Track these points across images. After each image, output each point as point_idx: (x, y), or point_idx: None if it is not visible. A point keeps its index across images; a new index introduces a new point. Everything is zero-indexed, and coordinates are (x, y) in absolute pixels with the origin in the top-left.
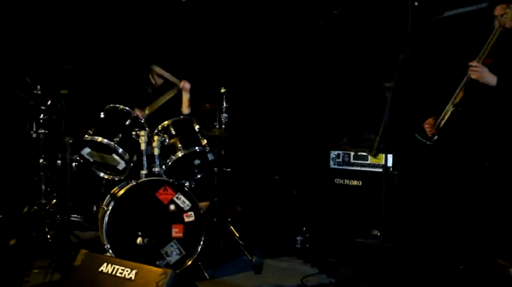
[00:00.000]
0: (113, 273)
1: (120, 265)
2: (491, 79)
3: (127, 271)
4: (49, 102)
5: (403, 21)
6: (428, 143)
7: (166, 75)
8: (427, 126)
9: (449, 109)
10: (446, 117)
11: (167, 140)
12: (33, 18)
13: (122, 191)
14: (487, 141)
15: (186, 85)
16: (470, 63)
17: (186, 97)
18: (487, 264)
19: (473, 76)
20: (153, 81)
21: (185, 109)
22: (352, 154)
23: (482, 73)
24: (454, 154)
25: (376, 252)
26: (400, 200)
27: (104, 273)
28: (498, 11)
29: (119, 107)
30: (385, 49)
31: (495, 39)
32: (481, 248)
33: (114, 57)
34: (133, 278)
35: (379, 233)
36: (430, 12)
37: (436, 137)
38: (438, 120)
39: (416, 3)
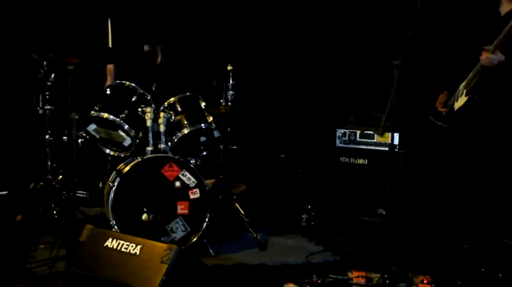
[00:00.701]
0: (118, 248)
1: (125, 240)
2: (500, 56)
3: (132, 246)
4: (52, 77)
5: None
6: (443, 125)
7: None
8: (440, 106)
9: (463, 93)
10: (461, 102)
11: (173, 117)
12: None
13: (127, 168)
14: (502, 131)
15: None
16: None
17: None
18: (492, 243)
19: (484, 63)
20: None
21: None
22: (358, 132)
23: (491, 58)
24: (467, 139)
25: (381, 230)
26: (406, 179)
27: (109, 248)
28: None
29: (125, 83)
30: (393, 26)
31: (509, 30)
32: (488, 228)
33: (120, 33)
34: (138, 253)
35: (384, 212)
36: None
37: (449, 117)
38: (451, 100)
39: None
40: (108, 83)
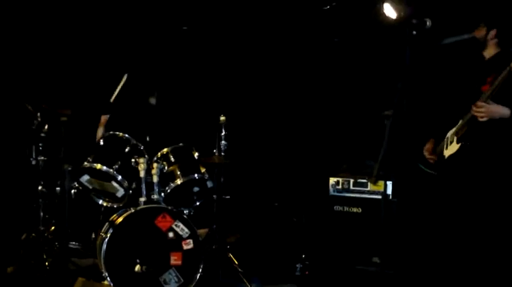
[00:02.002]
0: None
1: None
2: (502, 112)
3: None
4: (46, 128)
5: (401, 50)
6: (432, 172)
7: None
8: (427, 153)
9: (452, 140)
10: (452, 149)
11: (166, 168)
12: (35, 46)
13: (120, 219)
14: (496, 177)
15: None
16: (475, 105)
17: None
18: None
19: (481, 119)
20: None
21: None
22: (351, 180)
23: (490, 112)
24: (460, 186)
25: (377, 279)
26: (400, 227)
27: None
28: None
29: (119, 134)
30: (384, 77)
31: (505, 78)
32: (482, 279)
33: (112, 85)
34: None
35: (379, 260)
36: (428, 40)
37: (438, 164)
38: (439, 148)
39: (414, 32)
40: (100, 134)
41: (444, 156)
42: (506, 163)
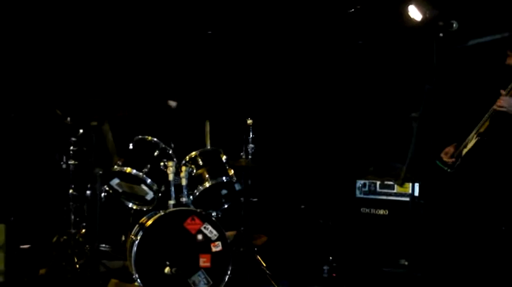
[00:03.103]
0: None
1: None
2: None
3: None
4: (80, 132)
5: (428, 51)
6: (448, 170)
7: None
8: (444, 155)
9: (473, 138)
10: (469, 145)
11: (195, 171)
12: (66, 52)
13: (150, 221)
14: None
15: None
16: (501, 96)
17: None
18: None
19: (501, 109)
20: None
21: None
22: (378, 183)
23: (510, 104)
24: (476, 182)
25: (404, 282)
26: (427, 229)
27: None
28: None
29: (147, 138)
30: (412, 79)
31: None
32: (509, 277)
33: (138, 89)
34: None
35: (406, 263)
36: (455, 41)
37: (457, 163)
38: (460, 148)
39: (441, 34)
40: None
41: (461, 153)
42: None
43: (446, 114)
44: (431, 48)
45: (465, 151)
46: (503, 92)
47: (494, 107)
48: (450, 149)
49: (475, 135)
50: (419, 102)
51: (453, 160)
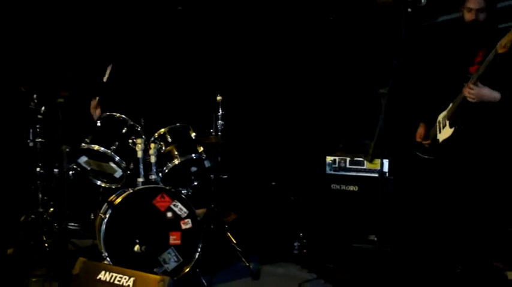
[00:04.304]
0: (111, 281)
1: (118, 273)
2: (493, 95)
3: (125, 278)
4: (43, 110)
5: (397, 27)
6: (430, 158)
7: None
8: (419, 138)
9: (445, 124)
10: (446, 133)
11: (164, 148)
12: (30, 27)
13: (119, 199)
14: (490, 159)
15: None
16: (467, 86)
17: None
18: (484, 267)
19: (472, 100)
20: None
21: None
22: (348, 159)
23: (481, 95)
24: (456, 168)
25: (374, 257)
26: (396, 205)
27: (102, 281)
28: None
29: (115, 115)
30: (380, 55)
31: (490, 61)
32: (478, 251)
33: (105, 63)
34: (131, 285)
35: (376, 238)
36: (424, 17)
37: (432, 147)
38: (431, 132)
39: (409, 10)
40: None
41: (438, 140)
42: (499, 146)
43: (414, 90)
44: (399, 24)
45: (441, 137)
46: (471, 85)
47: (464, 95)
48: (422, 131)
49: (448, 122)
50: (387, 78)
51: (429, 141)
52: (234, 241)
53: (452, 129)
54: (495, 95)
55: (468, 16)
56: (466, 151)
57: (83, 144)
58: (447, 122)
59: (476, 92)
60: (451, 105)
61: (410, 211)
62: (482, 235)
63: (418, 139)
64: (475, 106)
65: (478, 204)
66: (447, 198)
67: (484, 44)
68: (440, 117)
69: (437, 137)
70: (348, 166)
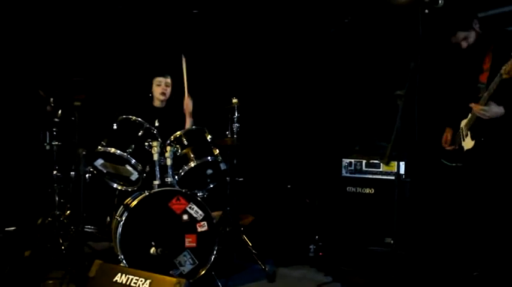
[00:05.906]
0: (127, 283)
1: (134, 275)
2: (499, 112)
3: (141, 280)
4: (59, 113)
5: (414, 29)
6: (457, 165)
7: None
8: (447, 145)
9: (467, 133)
10: (469, 144)
11: (180, 151)
12: (47, 32)
13: (135, 202)
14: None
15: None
16: (474, 108)
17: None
18: (501, 270)
19: (485, 118)
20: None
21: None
22: (364, 161)
23: (493, 113)
24: (478, 176)
25: (390, 260)
26: (413, 208)
27: (119, 283)
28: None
29: (132, 118)
30: (397, 57)
31: (497, 84)
32: (495, 255)
33: (123, 69)
34: None
35: (392, 241)
36: (440, 18)
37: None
38: (457, 137)
39: (426, 11)
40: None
41: (463, 147)
42: None
43: (432, 92)
44: (416, 25)
45: (465, 146)
46: (478, 106)
47: (478, 114)
48: (448, 137)
49: (469, 133)
50: (404, 80)
51: (455, 146)
52: (250, 244)
53: (474, 142)
54: (501, 110)
55: (460, 45)
56: (489, 162)
57: (99, 147)
58: (469, 133)
59: (488, 112)
60: (470, 115)
61: (427, 214)
62: (499, 237)
63: (445, 145)
64: (492, 120)
65: (500, 211)
66: (468, 204)
67: (487, 49)
68: (463, 124)
69: (462, 145)
70: (364, 168)
